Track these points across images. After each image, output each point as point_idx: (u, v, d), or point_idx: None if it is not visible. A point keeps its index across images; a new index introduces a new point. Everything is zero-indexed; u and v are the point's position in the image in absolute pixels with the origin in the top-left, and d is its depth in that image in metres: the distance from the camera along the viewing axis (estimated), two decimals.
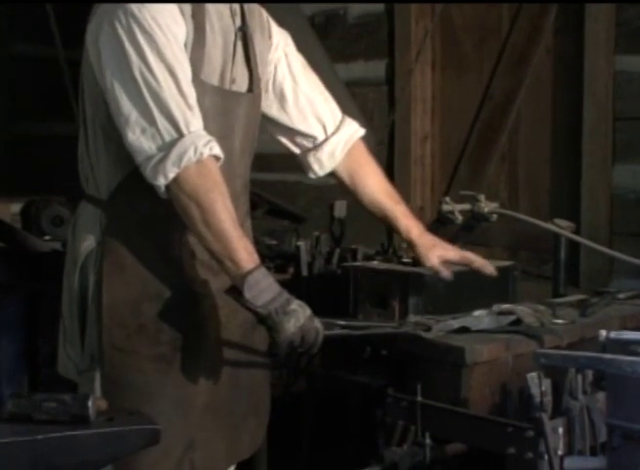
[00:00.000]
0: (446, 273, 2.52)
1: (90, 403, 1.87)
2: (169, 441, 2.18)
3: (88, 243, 2.27)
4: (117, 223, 2.25)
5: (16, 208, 4.22)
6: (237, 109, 2.34)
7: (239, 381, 2.39)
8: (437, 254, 2.53)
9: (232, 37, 2.32)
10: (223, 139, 2.26)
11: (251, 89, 2.39)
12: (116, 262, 2.23)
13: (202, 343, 2.29)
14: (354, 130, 2.62)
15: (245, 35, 2.36)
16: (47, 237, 4.00)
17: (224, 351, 2.33)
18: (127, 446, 1.96)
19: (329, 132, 2.57)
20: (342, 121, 2.61)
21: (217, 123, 2.28)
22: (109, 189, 2.25)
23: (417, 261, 2.60)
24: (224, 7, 2.30)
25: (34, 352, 3.60)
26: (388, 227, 2.65)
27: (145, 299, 2.24)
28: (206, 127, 2.20)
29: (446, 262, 2.54)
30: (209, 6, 2.25)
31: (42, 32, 4.75)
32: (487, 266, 2.57)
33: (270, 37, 2.49)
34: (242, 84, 2.37)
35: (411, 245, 2.58)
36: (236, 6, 2.34)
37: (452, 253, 2.56)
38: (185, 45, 2.19)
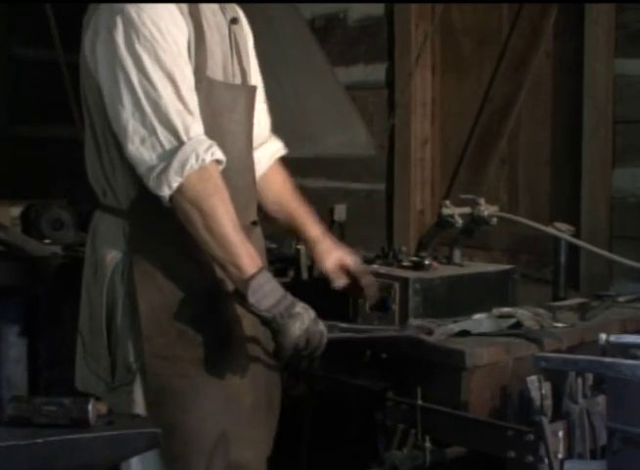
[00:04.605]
0: (339, 282, 2.51)
1: (90, 407, 1.87)
2: (222, 441, 2.20)
3: (113, 254, 2.24)
4: (142, 231, 2.23)
5: (16, 211, 4.21)
6: (241, 102, 2.34)
7: (263, 377, 2.39)
8: (335, 257, 2.51)
9: (226, 31, 2.33)
10: (231, 134, 2.27)
11: (245, 82, 2.39)
12: (147, 271, 2.21)
13: (238, 341, 2.28)
14: (278, 148, 2.62)
15: (235, 28, 2.36)
16: (47, 240, 4.01)
17: (256, 348, 2.32)
18: (127, 450, 1.96)
19: (256, 144, 2.50)
20: (269, 137, 2.60)
21: (225, 119, 2.28)
22: (128, 198, 2.23)
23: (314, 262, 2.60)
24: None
25: (34, 355, 3.60)
26: (289, 229, 2.62)
27: (179, 303, 2.22)
28: (215, 124, 2.20)
29: (342, 268, 2.51)
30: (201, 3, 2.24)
31: (42, 35, 4.75)
32: (371, 289, 2.53)
33: (247, 32, 2.49)
34: (239, 77, 2.38)
35: (309, 245, 2.56)
36: None
37: (350, 259, 2.53)
38: (188, 44, 2.18)
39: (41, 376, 3.59)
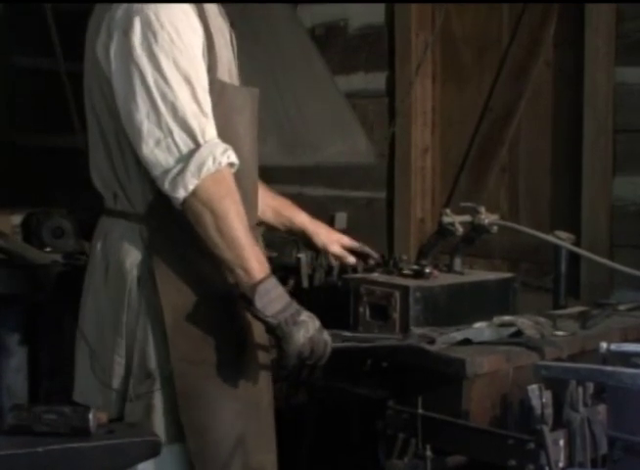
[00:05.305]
0: (350, 260, 2.72)
1: (90, 416, 1.87)
2: (242, 442, 2.20)
3: (131, 259, 2.21)
4: (161, 234, 2.21)
5: (16, 219, 4.21)
6: (248, 105, 2.34)
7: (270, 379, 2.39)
8: (336, 240, 2.70)
9: (228, 35, 2.33)
10: (241, 136, 2.28)
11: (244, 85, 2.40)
12: (169, 274, 2.19)
13: (254, 341, 2.27)
14: None
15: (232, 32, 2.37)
16: (48, 248, 4.00)
17: (265, 348, 2.32)
18: (128, 459, 1.96)
19: None
20: None
21: (235, 121, 2.28)
22: (145, 201, 2.21)
23: (311, 245, 2.74)
24: (214, 5, 2.29)
25: (35, 363, 3.60)
26: (278, 224, 2.71)
27: (201, 305, 2.20)
28: (226, 125, 2.20)
29: (344, 248, 2.69)
30: (206, 5, 2.23)
31: (42, 44, 4.75)
32: (371, 253, 2.78)
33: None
34: (239, 81, 2.38)
35: (304, 232, 2.69)
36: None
37: (345, 238, 2.74)
38: (202, 46, 2.17)
39: (41, 385, 3.59)
